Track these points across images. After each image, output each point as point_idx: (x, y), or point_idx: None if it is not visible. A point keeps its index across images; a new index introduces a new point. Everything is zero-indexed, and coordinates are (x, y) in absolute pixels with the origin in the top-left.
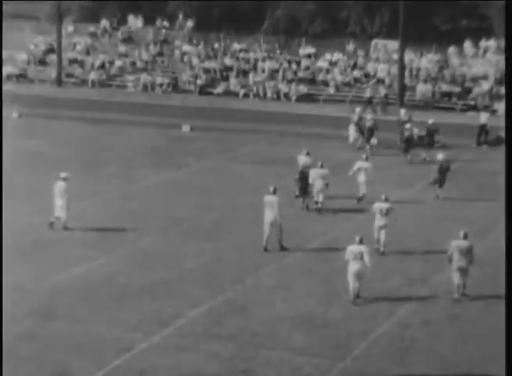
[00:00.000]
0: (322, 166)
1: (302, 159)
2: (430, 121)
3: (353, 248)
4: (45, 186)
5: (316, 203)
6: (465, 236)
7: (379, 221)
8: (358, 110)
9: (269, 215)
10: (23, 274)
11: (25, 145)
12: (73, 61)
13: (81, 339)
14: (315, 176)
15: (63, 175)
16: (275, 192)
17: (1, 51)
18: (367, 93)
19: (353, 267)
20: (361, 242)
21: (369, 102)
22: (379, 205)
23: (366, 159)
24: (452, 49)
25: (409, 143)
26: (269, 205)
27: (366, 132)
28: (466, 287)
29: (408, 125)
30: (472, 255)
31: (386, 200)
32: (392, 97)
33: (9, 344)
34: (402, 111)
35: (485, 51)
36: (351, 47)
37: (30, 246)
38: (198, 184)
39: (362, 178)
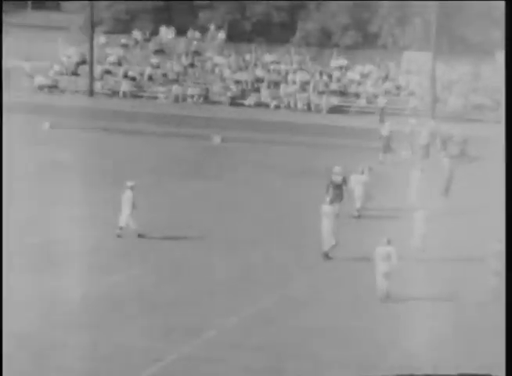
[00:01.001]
0: (363, 172)
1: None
2: (444, 129)
3: (381, 249)
4: (76, 197)
5: (359, 209)
6: (500, 240)
7: (422, 228)
8: (412, 122)
9: (326, 225)
10: (53, 284)
11: (56, 156)
12: (105, 72)
13: (110, 349)
14: (355, 182)
15: (129, 183)
16: (331, 202)
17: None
18: (380, 104)
19: (381, 268)
20: (388, 243)
21: (381, 112)
22: (422, 212)
23: (422, 170)
24: (484, 61)
25: (425, 150)
26: (325, 215)
27: (383, 142)
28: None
29: (425, 133)
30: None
31: (425, 207)
32: (423, 109)
33: (39, 353)
34: (432, 123)
35: None
36: (382, 59)
37: (61, 256)
38: (229, 195)
39: (413, 187)
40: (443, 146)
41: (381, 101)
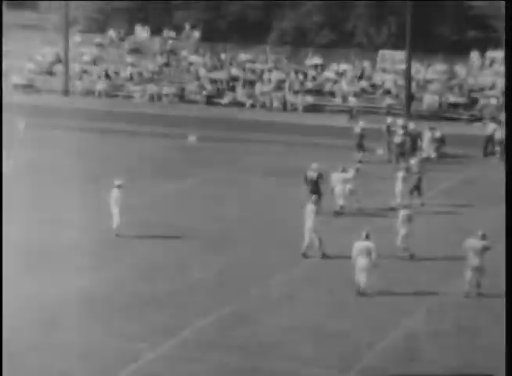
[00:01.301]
0: (343, 170)
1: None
2: (412, 127)
3: (359, 244)
4: (51, 197)
5: (341, 207)
6: (483, 237)
7: (404, 228)
8: (388, 120)
9: (309, 224)
10: (29, 284)
11: (31, 155)
12: (80, 71)
13: (86, 350)
14: (336, 180)
15: (117, 182)
16: (315, 202)
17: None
18: (350, 103)
19: (360, 262)
20: (367, 238)
21: (350, 112)
22: (404, 212)
23: (407, 170)
24: (459, 60)
25: (400, 149)
26: (306, 213)
27: (356, 140)
28: (481, 286)
29: (400, 132)
30: (486, 255)
31: (408, 207)
32: (398, 107)
33: (15, 354)
34: (406, 121)
35: (492, 62)
36: (357, 58)
37: (36, 256)
38: (205, 195)
39: (398, 187)
40: (414, 145)
41: (352, 100)
